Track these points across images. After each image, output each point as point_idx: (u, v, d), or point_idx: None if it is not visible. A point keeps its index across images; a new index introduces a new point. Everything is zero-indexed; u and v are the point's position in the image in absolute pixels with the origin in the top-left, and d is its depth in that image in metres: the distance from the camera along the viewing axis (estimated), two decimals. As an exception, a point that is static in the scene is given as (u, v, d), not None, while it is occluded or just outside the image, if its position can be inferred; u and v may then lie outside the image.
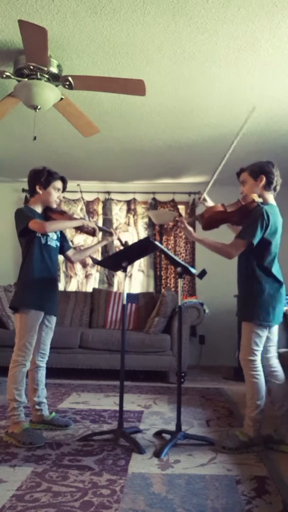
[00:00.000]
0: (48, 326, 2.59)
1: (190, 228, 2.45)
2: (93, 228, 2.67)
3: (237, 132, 2.41)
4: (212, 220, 2.41)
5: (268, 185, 2.34)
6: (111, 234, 2.84)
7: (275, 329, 2.37)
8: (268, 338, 2.31)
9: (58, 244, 2.65)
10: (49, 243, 2.55)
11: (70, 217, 2.65)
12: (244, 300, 2.35)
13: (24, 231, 2.44)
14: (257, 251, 2.26)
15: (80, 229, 2.68)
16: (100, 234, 3.05)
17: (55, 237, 2.61)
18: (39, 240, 2.50)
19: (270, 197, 2.37)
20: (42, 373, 2.59)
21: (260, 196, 2.32)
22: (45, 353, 2.60)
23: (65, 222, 2.58)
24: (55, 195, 2.57)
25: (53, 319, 2.63)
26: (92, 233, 2.68)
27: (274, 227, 2.25)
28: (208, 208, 2.42)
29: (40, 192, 2.54)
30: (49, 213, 2.60)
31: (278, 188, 2.39)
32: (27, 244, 2.49)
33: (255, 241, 2.21)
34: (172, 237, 5.19)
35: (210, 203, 2.51)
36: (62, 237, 2.72)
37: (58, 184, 2.58)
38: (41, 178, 2.52)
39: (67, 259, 2.82)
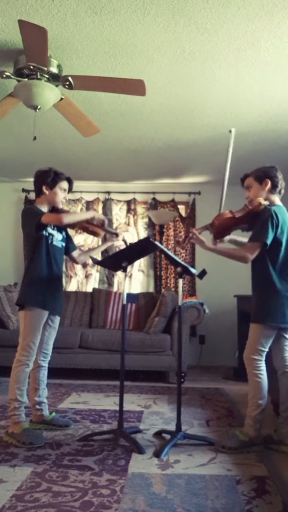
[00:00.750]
0: (51, 325, 2.60)
1: (203, 238, 2.42)
2: (103, 220, 2.65)
3: (226, 160, 2.52)
4: (222, 228, 2.40)
5: (273, 188, 2.36)
6: (116, 236, 2.82)
7: None
8: (286, 339, 2.29)
9: (64, 244, 2.66)
10: (54, 243, 2.55)
11: None
12: (257, 301, 2.32)
13: (37, 227, 2.44)
14: (271, 252, 2.26)
15: (90, 222, 2.64)
16: (100, 238, 3.04)
17: (60, 237, 2.61)
18: (46, 240, 2.50)
19: (277, 199, 2.38)
20: (43, 373, 2.59)
21: (266, 199, 2.33)
22: (48, 353, 2.61)
23: (78, 214, 2.57)
24: (61, 195, 2.58)
25: (57, 319, 2.63)
26: (101, 225, 2.64)
27: (284, 226, 2.26)
28: (217, 216, 2.42)
29: (47, 192, 2.55)
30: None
31: (282, 191, 2.41)
32: (33, 243, 2.49)
33: (269, 240, 2.21)
34: (172, 237, 5.19)
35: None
36: (68, 238, 2.72)
37: (64, 184, 2.59)
38: (47, 178, 2.53)
39: (72, 260, 2.82)
